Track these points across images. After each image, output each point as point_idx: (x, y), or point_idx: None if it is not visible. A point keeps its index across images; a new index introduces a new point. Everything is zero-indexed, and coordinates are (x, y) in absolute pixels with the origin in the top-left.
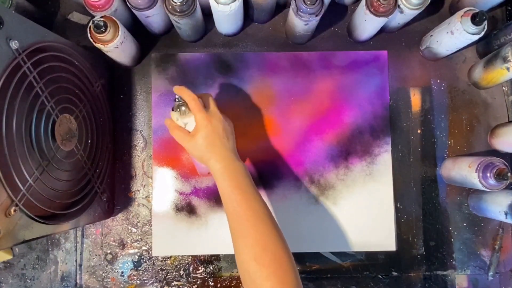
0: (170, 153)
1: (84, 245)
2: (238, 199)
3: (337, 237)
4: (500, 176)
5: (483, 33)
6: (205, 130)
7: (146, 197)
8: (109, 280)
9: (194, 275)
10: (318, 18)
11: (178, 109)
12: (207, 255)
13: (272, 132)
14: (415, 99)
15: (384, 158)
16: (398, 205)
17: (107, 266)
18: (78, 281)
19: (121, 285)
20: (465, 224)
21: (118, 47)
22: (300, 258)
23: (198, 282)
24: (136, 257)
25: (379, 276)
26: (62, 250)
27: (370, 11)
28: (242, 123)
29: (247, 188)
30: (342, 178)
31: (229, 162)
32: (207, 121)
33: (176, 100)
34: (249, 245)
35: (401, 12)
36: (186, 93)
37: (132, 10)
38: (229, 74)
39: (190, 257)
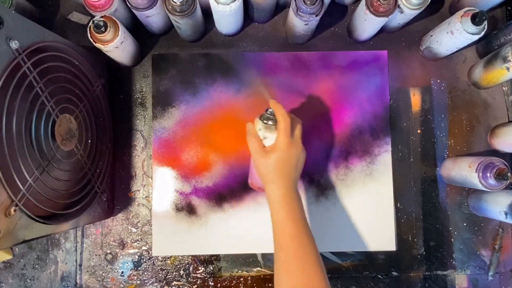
0: (170, 153)
1: (84, 245)
2: (292, 233)
3: (337, 237)
4: (500, 176)
5: (483, 33)
6: (281, 154)
7: (146, 197)
8: (109, 280)
9: (194, 275)
10: (318, 18)
11: (265, 121)
12: (207, 255)
13: None
14: (415, 99)
15: (384, 158)
16: (398, 205)
17: (107, 266)
18: (78, 281)
19: (121, 285)
20: (465, 224)
21: (118, 47)
22: None
23: (198, 282)
24: (136, 257)
25: (379, 276)
26: (62, 250)
27: (370, 11)
28: (242, 123)
29: (302, 223)
30: (342, 178)
31: (290, 192)
32: (287, 147)
33: (268, 112)
34: (292, 282)
35: (401, 12)
36: (280, 112)
37: (132, 10)
38: (229, 74)
39: (190, 257)
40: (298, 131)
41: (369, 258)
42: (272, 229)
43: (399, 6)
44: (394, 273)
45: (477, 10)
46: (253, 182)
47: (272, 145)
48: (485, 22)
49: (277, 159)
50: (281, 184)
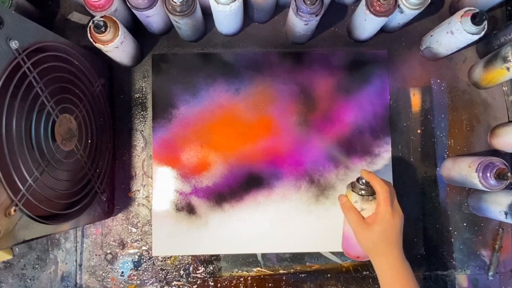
0: (170, 153)
1: (84, 245)
2: None
3: (337, 237)
4: (500, 176)
5: (483, 33)
6: (386, 224)
7: (146, 197)
8: (109, 280)
9: (194, 275)
10: (318, 18)
11: (360, 192)
12: (207, 255)
13: (272, 132)
14: (415, 99)
15: (384, 158)
16: None
17: (107, 266)
18: (78, 281)
19: (121, 285)
20: (465, 224)
21: (118, 47)
22: (300, 258)
23: (198, 282)
24: (136, 257)
25: None
26: (62, 250)
27: (370, 11)
28: (242, 123)
29: None
30: (342, 178)
31: (400, 264)
32: (390, 216)
33: (360, 182)
34: None
35: (401, 12)
36: (377, 182)
37: (132, 10)
38: (229, 74)
39: (190, 257)
40: (394, 196)
41: None
42: None
43: (399, 6)
44: None
45: (477, 10)
46: (350, 251)
47: (373, 216)
48: (485, 22)
49: (382, 230)
50: (391, 257)
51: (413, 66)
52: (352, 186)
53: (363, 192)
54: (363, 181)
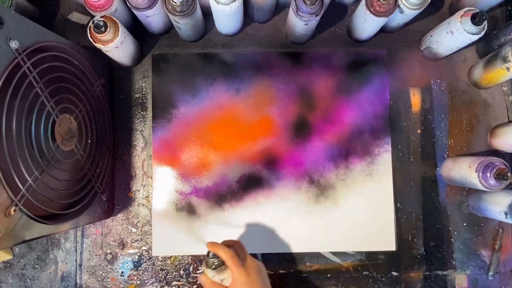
0: (170, 153)
1: (84, 245)
2: None
3: (337, 237)
4: (500, 176)
5: (483, 33)
6: (245, 286)
7: (146, 197)
8: (109, 280)
9: (194, 275)
10: (318, 18)
11: (213, 266)
12: None
13: (272, 132)
14: (415, 99)
15: (384, 158)
16: (398, 205)
17: (107, 266)
18: (78, 281)
19: (121, 285)
20: (465, 224)
21: (118, 47)
22: (300, 258)
23: (198, 282)
24: (136, 257)
25: (379, 276)
26: (62, 250)
27: (370, 11)
28: (242, 123)
29: None
30: (342, 178)
31: None
32: (245, 276)
33: (210, 255)
34: None
35: (401, 12)
36: (222, 250)
37: (132, 10)
38: (229, 74)
39: (190, 257)
40: (242, 252)
41: (369, 258)
42: None
43: (399, 6)
44: (394, 273)
45: (477, 10)
46: None
47: (232, 284)
48: (485, 22)
49: None
50: None
51: (413, 66)
52: (206, 263)
53: (215, 264)
54: (211, 254)
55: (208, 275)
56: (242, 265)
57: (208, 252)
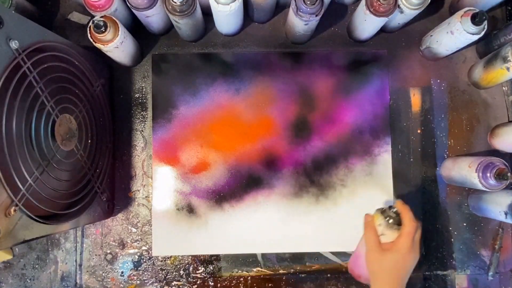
0: (170, 153)
1: (84, 245)
2: None
3: (337, 237)
4: (500, 176)
5: (483, 33)
6: (399, 256)
7: (146, 197)
8: (109, 280)
9: (194, 275)
10: (318, 18)
11: (387, 218)
12: (207, 255)
13: (272, 132)
14: (415, 99)
15: (384, 158)
16: None
17: (107, 266)
18: (78, 281)
19: (121, 285)
20: (465, 224)
21: (118, 47)
22: (300, 258)
23: (198, 282)
24: (136, 257)
25: None
26: (62, 250)
27: (370, 11)
28: (242, 123)
29: None
30: (342, 178)
31: None
32: (407, 250)
33: (392, 211)
34: None
35: (401, 12)
36: (408, 216)
37: (132, 10)
38: (229, 74)
39: (190, 257)
40: (418, 235)
41: None
42: None
43: (399, 6)
44: None
45: (477, 10)
46: (355, 269)
47: (391, 244)
48: (485, 22)
49: (395, 260)
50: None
51: (413, 66)
52: (382, 210)
53: (392, 219)
54: (395, 210)
55: (376, 220)
56: (412, 243)
57: (391, 207)
